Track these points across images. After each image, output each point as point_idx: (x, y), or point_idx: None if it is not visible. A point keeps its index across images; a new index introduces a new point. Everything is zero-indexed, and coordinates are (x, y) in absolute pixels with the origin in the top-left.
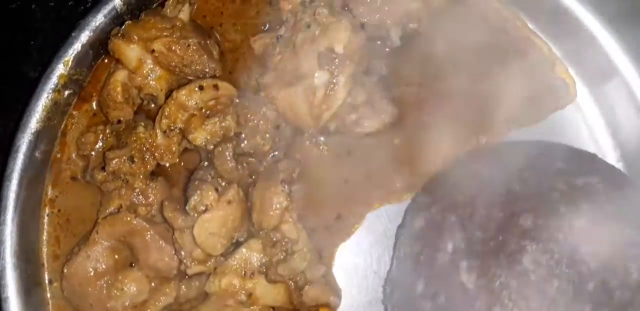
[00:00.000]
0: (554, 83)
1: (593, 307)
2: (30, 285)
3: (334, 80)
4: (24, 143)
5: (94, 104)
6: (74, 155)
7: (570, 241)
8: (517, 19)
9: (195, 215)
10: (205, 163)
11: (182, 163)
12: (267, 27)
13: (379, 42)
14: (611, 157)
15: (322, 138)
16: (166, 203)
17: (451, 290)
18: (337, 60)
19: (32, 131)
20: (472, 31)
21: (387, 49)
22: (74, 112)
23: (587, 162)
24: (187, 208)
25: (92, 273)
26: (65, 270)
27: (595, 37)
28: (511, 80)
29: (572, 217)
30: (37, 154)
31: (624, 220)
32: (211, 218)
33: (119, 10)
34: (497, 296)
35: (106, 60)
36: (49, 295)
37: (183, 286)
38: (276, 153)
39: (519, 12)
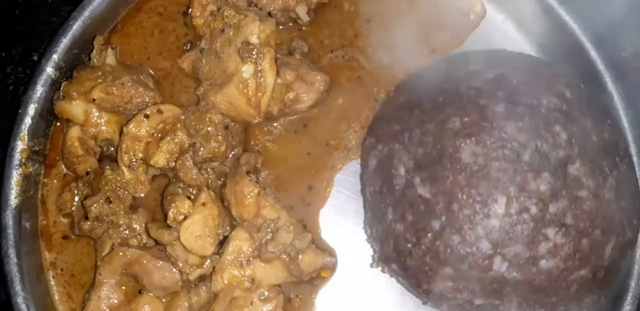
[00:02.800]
0: (461, 6)
1: (534, 174)
2: None
3: (259, 68)
4: (9, 220)
5: (61, 167)
6: (58, 218)
7: (496, 126)
8: None
9: (178, 225)
10: (173, 179)
11: (156, 190)
12: (189, 47)
13: (291, 24)
14: (530, 52)
15: (275, 124)
16: (149, 225)
17: (414, 205)
18: (255, 50)
19: (13, 207)
20: None
21: (304, 28)
22: (45, 180)
23: (496, 57)
24: (168, 222)
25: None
26: None
27: None
28: (422, 17)
29: (492, 106)
30: (25, 226)
31: (539, 93)
32: (192, 223)
33: (53, 77)
34: (451, 194)
35: (58, 124)
36: None
37: (194, 296)
38: (235, 151)
39: None
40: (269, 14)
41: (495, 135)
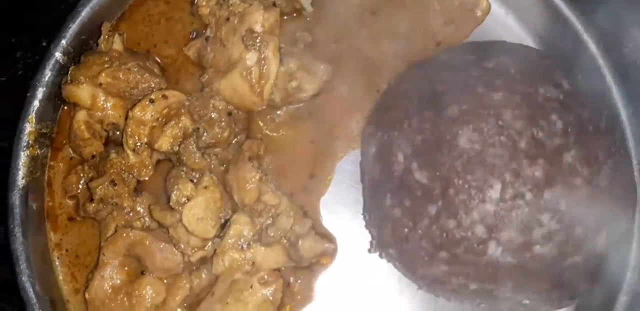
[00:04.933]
0: (467, 1)
1: (529, 161)
2: None
3: (263, 56)
4: (16, 199)
5: (67, 150)
6: (64, 200)
7: (493, 114)
8: None
9: (180, 207)
10: (177, 163)
11: (160, 174)
12: (194, 35)
13: (295, 15)
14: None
15: (278, 112)
16: (152, 206)
17: (411, 191)
18: (259, 38)
19: (20, 187)
20: None
21: (308, 18)
22: (52, 163)
23: (495, 47)
24: (171, 204)
25: (110, 291)
26: (87, 296)
27: None
28: (427, 11)
29: (490, 93)
30: (31, 207)
31: (536, 82)
32: (194, 205)
33: (62, 62)
34: (448, 180)
35: (66, 108)
36: None
37: (195, 279)
38: (238, 137)
39: None
40: (274, 3)
41: (492, 123)
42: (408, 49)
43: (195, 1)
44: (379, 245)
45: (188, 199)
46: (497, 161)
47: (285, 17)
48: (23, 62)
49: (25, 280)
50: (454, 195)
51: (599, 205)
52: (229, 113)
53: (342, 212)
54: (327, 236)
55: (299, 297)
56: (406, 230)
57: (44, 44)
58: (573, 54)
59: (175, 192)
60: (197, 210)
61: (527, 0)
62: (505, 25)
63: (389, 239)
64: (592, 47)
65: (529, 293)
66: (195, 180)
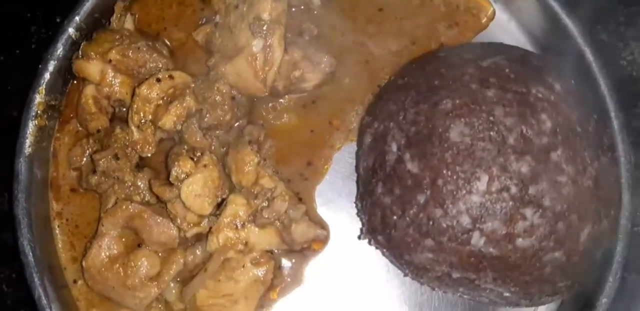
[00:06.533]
0: (473, 6)
1: (516, 156)
2: (56, 286)
3: (268, 43)
4: (22, 166)
5: (74, 124)
6: (68, 171)
7: (485, 110)
8: None
9: (179, 183)
10: (178, 142)
11: (161, 153)
12: (204, 21)
13: (302, 7)
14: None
15: (280, 100)
16: (152, 181)
17: (402, 180)
18: (265, 26)
19: (27, 155)
20: None
21: (315, 12)
22: (59, 135)
23: (492, 48)
24: (170, 179)
25: (107, 260)
26: (84, 264)
27: None
28: (433, 12)
29: (483, 90)
30: (36, 175)
31: (529, 82)
32: (193, 181)
33: (74, 37)
34: (437, 170)
35: (75, 82)
36: (76, 292)
37: (189, 255)
38: (240, 122)
39: None
40: None
41: (483, 118)
42: (411, 48)
43: None
44: (369, 231)
45: (187, 176)
46: (486, 155)
47: (293, 9)
48: (37, 37)
49: (26, 244)
50: (442, 185)
51: (582, 204)
52: (233, 98)
53: (336, 200)
54: (320, 223)
55: (288, 280)
56: (395, 217)
57: (58, 20)
58: (570, 62)
59: (175, 168)
60: (195, 186)
61: (530, 8)
62: (507, 30)
63: (378, 226)
64: (590, 56)
65: (509, 285)
66: (195, 159)
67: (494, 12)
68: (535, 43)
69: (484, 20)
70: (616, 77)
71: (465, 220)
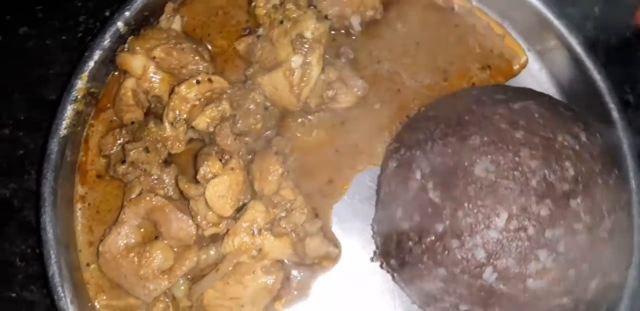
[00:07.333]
0: (507, 53)
1: (537, 199)
2: (70, 267)
3: (307, 60)
4: (55, 146)
5: (109, 113)
6: (97, 158)
7: (512, 150)
8: None
9: (205, 182)
10: (209, 143)
11: (189, 152)
12: (247, 32)
13: (342, 31)
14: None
15: (310, 117)
16: (180, 177)
17: (423, 207)
18: (307, 44)
19: (61, 136)
20: (424, 12)
21: (353, 37)
22: (93, 121)
23: (523, 92)
24: (197, 177)
25: (123, 248)
26: (100, 248)
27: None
28: (468, 53)
29: (512, 131)
30: (66, 157)
31: (557, 129)
32: (219, 182)
33: (122, 31)
34: (459, 202)
35: (116, 73)
36: (87, 275)
37: (203, 254)
38: (269, 132)
39: None
40: (326, 16)
41: (509, 157)
42: (443, 84)
43: (253, 2)
44: (382, 254)
45: (214, 176)
46: (508, 193)
47: (333, 32)
48: (85, 26)
49: (48, 221)
50: (462, 217)
51: (595, 254)
52: (266, 108)
53: (351, 221)
54: (333, 241)
55: (295, 292)
56: (411, 243)
57: (107, 13)
58: (596, 116)
59: (203, 167)
60: (220, 187)
61: (563, 61)
62: (537, 79)
63: (393, 250)
64: (615, 114)
65: None
66: (223, 161)
67: (526, 61)
68: (563, 94)
69: (516, 67)
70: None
71: (481, 254)
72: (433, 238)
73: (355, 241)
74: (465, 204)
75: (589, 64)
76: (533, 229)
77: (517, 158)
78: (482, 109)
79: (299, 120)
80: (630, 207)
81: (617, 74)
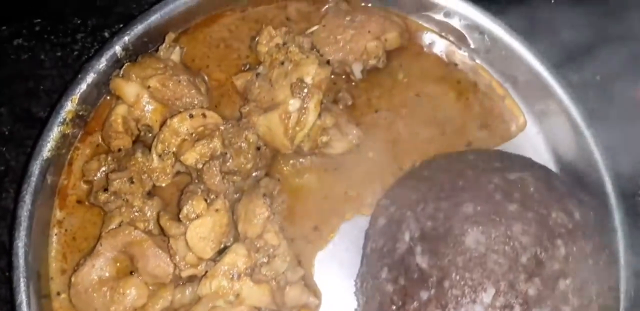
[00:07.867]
0: (506, 114)
1: (526, 277)
2: (39, 294)
3: (305, 106)
4: (36, 168)
5: (96, 137)
6: (79, 182)
7: (505, 223)
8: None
9: (188, 222)
10: (196, 180)
11: (175, 185)
12: (247, 67)
13: (343, 77)
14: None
15: (301, 160)
16: (162, 213)
17: (409, 271)
18: (306, 89)
19: (44, 158)
20: (427, 65)
21: (353, 83)
22: (79, 144)
23: (520, 161)
24: (180, 216)
25: (96, 281)
26: (72, 279)
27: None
28: (466, 111)
29: (506, 203)
30: (47, 180)
31: (551, 205)
32: (201, 224)
33: (119, 55)
34: (446, 272)
35: (108, 98)
36: (56, 305)
37: (178, 294)
38: (258, 172)
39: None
40: (328, 62)
41: (501, 231)
42: (440, 138)
43: (257, 38)
44: None
45: (197, 216)
46: (497, 268)
47: (333, 76)
48: (82, 44)
49: (21, 246)
50: (448, 287)
51: None
52: (258, 148)
53: (334, 272)
54: (314, 290)
55: None
56: (394, 307)
57: (106, 34)
58: (589, 188)
59: (187, 206)
60: (202, 229)
61: (560, 127)
62: (533, 143)
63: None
64: (609, 187)
65: None
66: (209, 201)
67: (524, 123)
68: (558, 161)
69: (513, 129)
70: (632, 211)
71: None
72: (416, 305)
73: (337, 292)
74: (453, 275)
75: (587, 134)
76: (519, 308)
77: (509, 232)
78: (477, 176)
79: (291, 161)
80: (617, 286)
81: (613, 144)
